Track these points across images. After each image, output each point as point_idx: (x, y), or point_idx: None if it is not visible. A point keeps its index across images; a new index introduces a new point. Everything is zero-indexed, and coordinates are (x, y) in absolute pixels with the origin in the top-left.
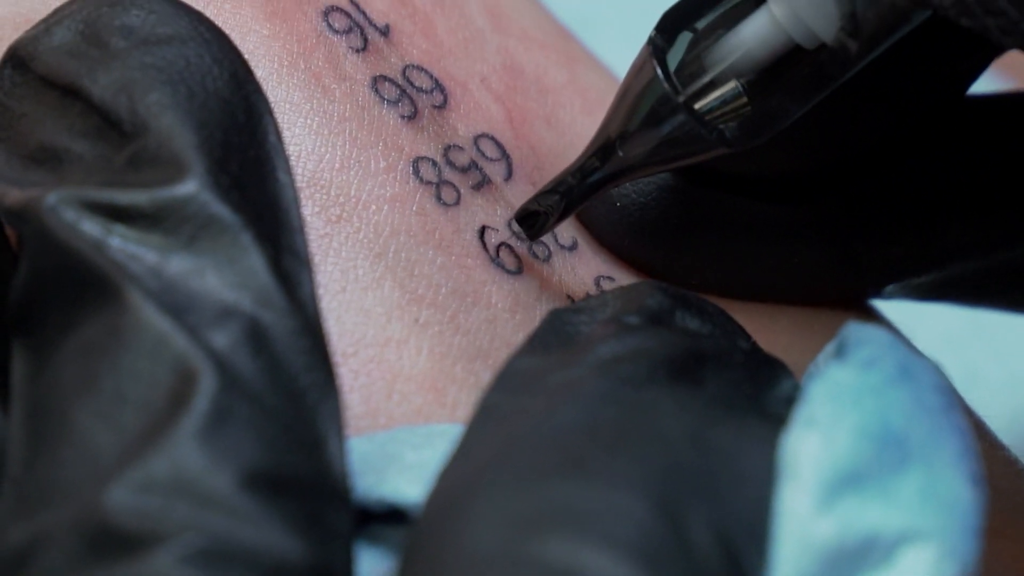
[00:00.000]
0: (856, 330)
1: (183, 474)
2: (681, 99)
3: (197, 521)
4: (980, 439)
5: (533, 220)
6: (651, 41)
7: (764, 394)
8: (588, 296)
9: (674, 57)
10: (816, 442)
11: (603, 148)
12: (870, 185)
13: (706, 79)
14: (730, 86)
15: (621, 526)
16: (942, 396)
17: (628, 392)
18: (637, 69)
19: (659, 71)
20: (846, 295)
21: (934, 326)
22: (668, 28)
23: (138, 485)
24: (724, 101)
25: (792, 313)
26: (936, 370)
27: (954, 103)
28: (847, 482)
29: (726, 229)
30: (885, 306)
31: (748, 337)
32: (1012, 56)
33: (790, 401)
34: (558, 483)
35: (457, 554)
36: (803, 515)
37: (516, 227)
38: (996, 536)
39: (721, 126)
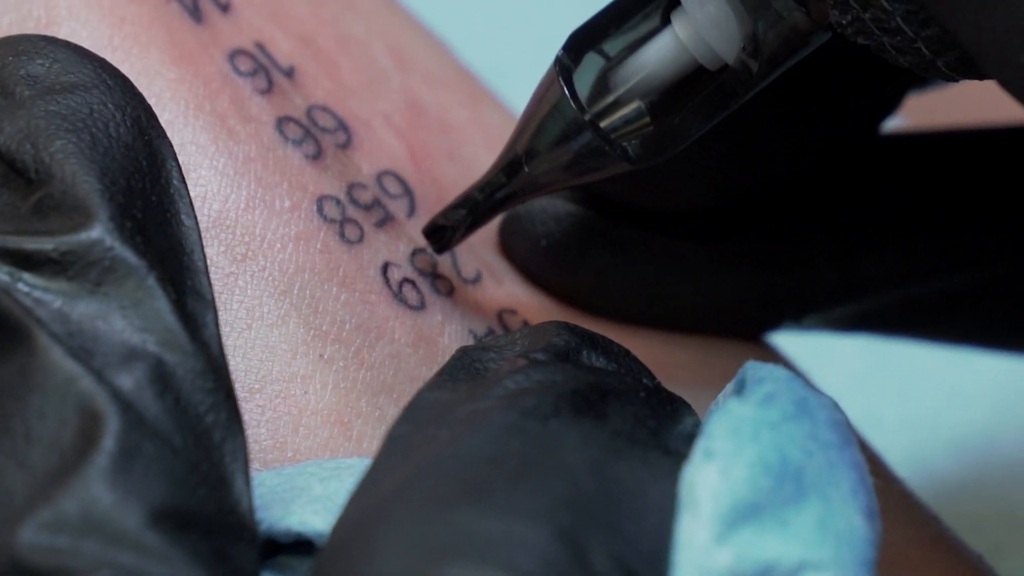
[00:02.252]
0: (755, 368)
1: (92, 513)
2: (587, 118)
3: (107, 559)
4: (876, 473)
5: (441, 234)
6: (558, 60)
7: (666, 430)
8: (495, 334)
9: (585, 77)
10: (715, 474)
11: (510, 164)
12: (786, 219)
13: (611, 98)
14: (634, 106)
15: (523, 554)
16: (838, 431)
17: (533, 424)
18: (544, 88)
19: (565, 90)
20: (765, 327)
21: (835, 366)
22: (574, 48)
23: (49, 524)
24: (628, 120)
25: (693, 348)
26: (833, 406)
27: (868, 138)
28: (745, 514)
29: (646, 266)
30: (788, 344)
31: (652, 376)
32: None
33: (691, 437)
34: (462, 512)
35: None
36: (701, 546)
37: (419, 263)
38: (891, 566)
39: (625, 144)
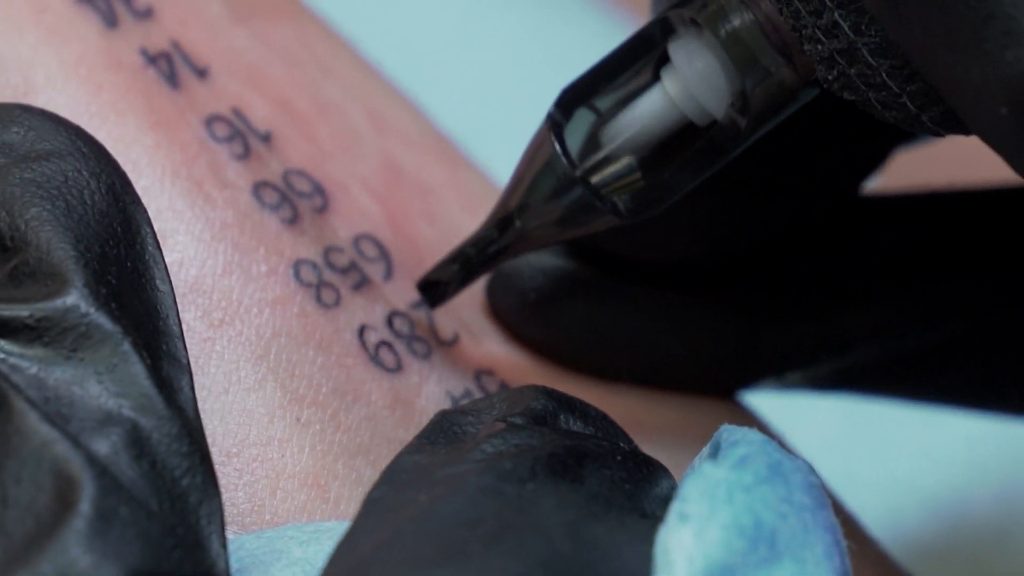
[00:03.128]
0: (730, 432)
1: None
2: (578, 174)
3: None
4: (851, 535)
5: (434, 289)
6: (549, 116)
7: (643, 493)
8: (472, 395)
9: (576, 132)
10: (689, 537)
11: (502, 220)
12: (769, 272)
13: (602, 154)
14: (625, 161)
15: None
16: (812, 494)
17: (510, 487)
18: (536, 144)
19: (557, 146)
20: (746, 382)
21: (810, 426)
22: (566, 104)
23: None
24: (619, 176)
25: (671, 407)
26: (807, 469)
27: (851, 194)
28: None
29: (631, 317)
30: (764, 405)
31: (629, 440)
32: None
33: (667, 500)
34: (438, 574)
35: None
36: None
37: (396, 325)
38: None
39: (615, 199)
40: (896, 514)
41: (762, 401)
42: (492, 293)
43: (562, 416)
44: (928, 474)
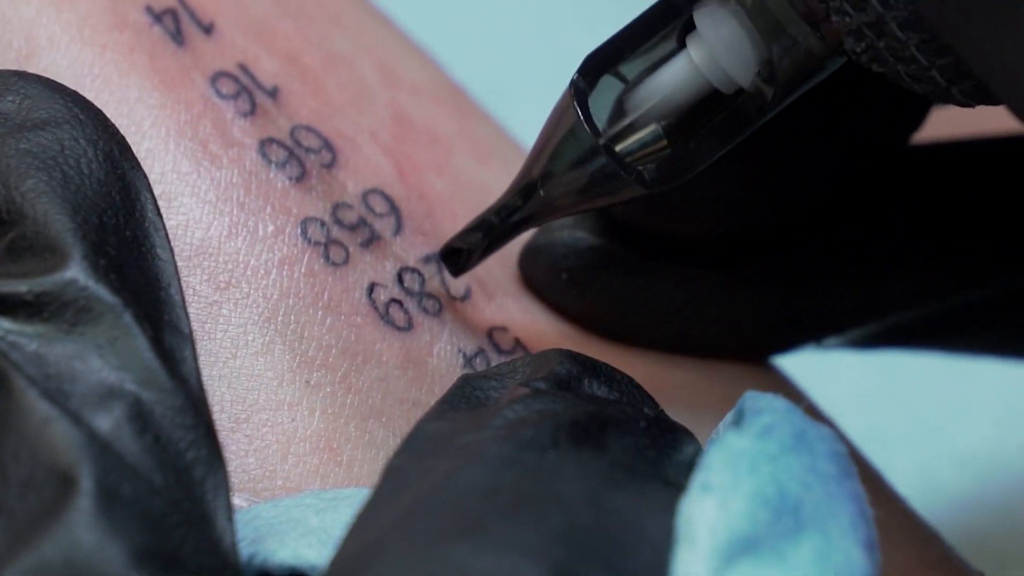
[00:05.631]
0: (754, 399)
1: (74, 556)
2: (602, 141)
3: None
4: (878, 492)
5: (456, 257)
6: (573, 83)
7: (666, 460)
8: (485, 353)
9: (601, 100)
10: (712, 507)
11: (525, 188)
12: (806, 243)
13: (626, 122)
14: (650, 129)
15: None
16: (838, 463)
17: (530, 456)
18: (560, 111)
19: (580, 113)
20: (785, 349)
21: (838, 382)
22: (590, 71)
23: (31, 570)
24: (644, 144)
25: (693, 368)
26: (832, 437)
27: (893, 155)
28: (742, 548)
29: (668, 296)
30: (790, 362)
31: (654, 404)
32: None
33: (691, 467)
34: (456, 548)
35: None
36: None
37: (407, 282)
38: None
39: (640, 168)
40: (925, 468)
41: (788, 359)
42: (524, 267)
43: (586, 381)
44: (957, 427)
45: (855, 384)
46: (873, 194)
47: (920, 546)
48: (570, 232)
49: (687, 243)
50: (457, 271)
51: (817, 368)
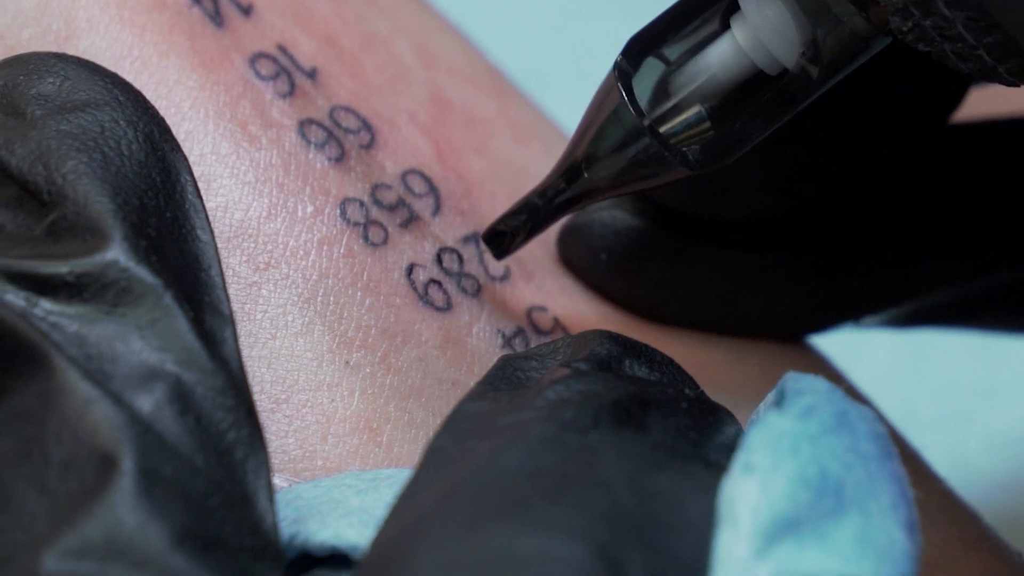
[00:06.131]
0: (795, 380)
1: (116, 537)
2: (646, 123)
3: None
4: (916, 474)
5: (500, 240)
6: (617, 65)
7: (707, 441)
8: (524, 333)
9: (645, 81)
10: (754, 488)
11: (569, 170)
12: (848, 223)
13: (671, 103)
14: (694, 110)
15: (559, 574)
16: (879, 444)
17: (572, 436)
18: (603, 93)
19: (624, 95)
20: (824, 329)
21: (872, 364)
22: (633, 53)
23: (73, 550)
24: (688, 125)
25: (729, 347)
26: (873, 418)
27: (931, 136)
28: (784, 528)
29: (707, 278)
30: (825, 342)
31: (694, 385)
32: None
33: (732, 448)
34: (498, 529)
35: None
36: (740, 561)
37: (446, 262)
38: (931, 565)
39: (685, 149)
40: (959, 450)
41: (822, 339)
42: (563, 247)
43: (627, 361)
44: (991, 408)
45: (888, 366)
46: (911, 174)
47: (960, 526)
48: (609, 212)
49: (726, 224)
50: (500, 254)
51: (850, 349)
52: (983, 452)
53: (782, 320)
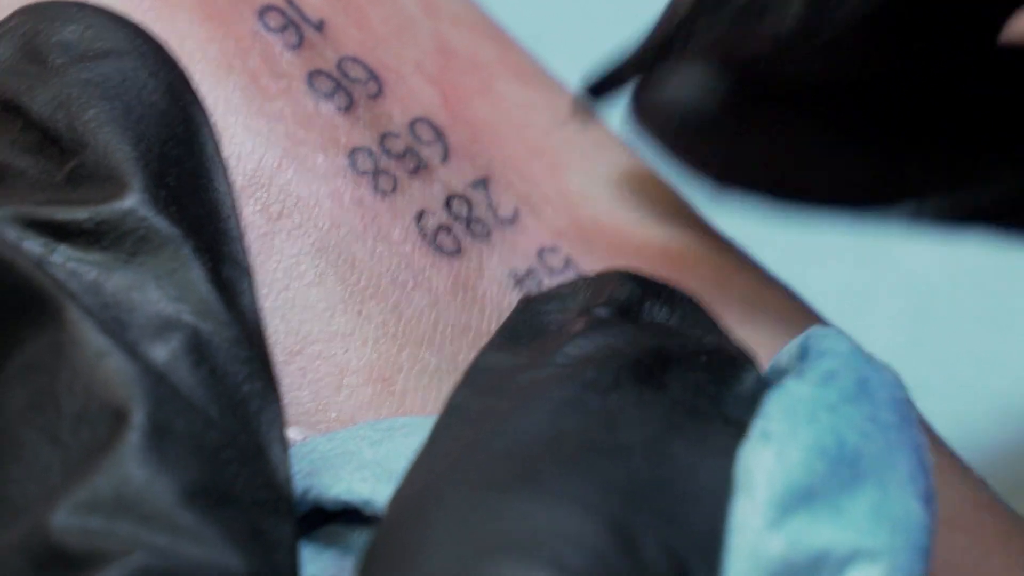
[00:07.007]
0: (819, 338)
1: (126, 492)
2: None
3: (140, 539)
4: (935, 449)
5: (597, 88)
6: None
7: (727, 394)
8: (536, 274)
9: None
10: (770, 457)
11: (671, 22)
12: (918, 103)
13: None
14: None
15: (573, 551)
16: (899, 410)
17: (592, 398)
18: None
19: None
20: (886, 202)
21: (878, 334)
22: None
23: (83, 505)
24: None
25: (743, 282)
26: (894, 382)
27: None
28: (799, 499)
29: (776, 141)
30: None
31: (716, 328)
32: None
33: (752, 399)
34: (512, 500)
35: None
36: (755, 531)
37: (455, 207)
38: (945, 523)
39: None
40: (966, 418)
41: (830, 302)
42: (637, 107)
43: (647, 304)
44: (998, 377)
45: (895, 334)
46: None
47: (972, 487)
48: (684, 72)
49: (799, 90)
50: (597, 96)
51: (855, 322)
52: (989, 420)
53: (846, 188)
